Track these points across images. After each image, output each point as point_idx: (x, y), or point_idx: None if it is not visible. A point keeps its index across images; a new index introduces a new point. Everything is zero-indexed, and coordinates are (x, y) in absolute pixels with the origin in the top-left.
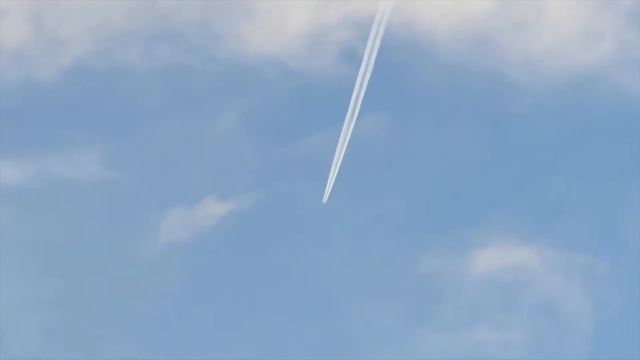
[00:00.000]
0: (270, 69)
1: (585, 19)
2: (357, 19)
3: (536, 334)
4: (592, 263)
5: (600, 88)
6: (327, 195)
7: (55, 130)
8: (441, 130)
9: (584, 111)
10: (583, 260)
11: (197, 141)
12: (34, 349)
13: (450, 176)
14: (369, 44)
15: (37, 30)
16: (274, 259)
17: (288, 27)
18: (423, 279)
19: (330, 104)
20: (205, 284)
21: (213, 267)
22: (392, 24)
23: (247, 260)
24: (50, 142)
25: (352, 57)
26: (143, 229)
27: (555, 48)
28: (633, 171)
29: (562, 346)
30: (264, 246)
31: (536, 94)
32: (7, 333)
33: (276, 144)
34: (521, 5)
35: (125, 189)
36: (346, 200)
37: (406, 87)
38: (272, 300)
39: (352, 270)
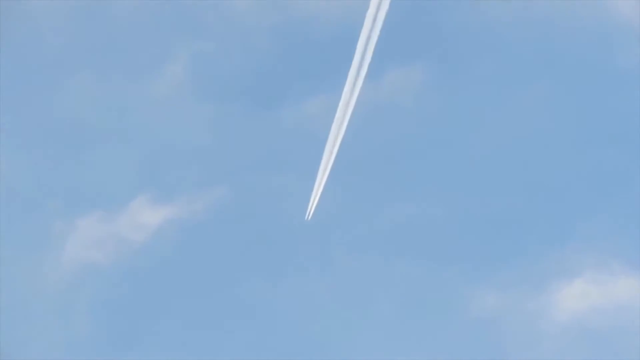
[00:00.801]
0: None
1: None
2: None
3: None
4: None
5: None
6: (312, 208)
7: None
8: (504, 95)
9: None
10: None
11: (124, 108)
12: None
13: (518, 167)
14: None
15: None
16: (237, 295)
17: None
18: (474, 326)
19: (329, 54)
20: (130, 328)
21: (143, 304)
22: None
23: (195, 295)
24: None
25: None
26: (39, 245)
27: None
28: None
29: None
30: (221, 274)
31: None
32: None
33: (245, 114)
34: None
35: (10, 186)
36: (349, 206)
37: (448, 27)
38: (230, 356)
39: (358, 310)
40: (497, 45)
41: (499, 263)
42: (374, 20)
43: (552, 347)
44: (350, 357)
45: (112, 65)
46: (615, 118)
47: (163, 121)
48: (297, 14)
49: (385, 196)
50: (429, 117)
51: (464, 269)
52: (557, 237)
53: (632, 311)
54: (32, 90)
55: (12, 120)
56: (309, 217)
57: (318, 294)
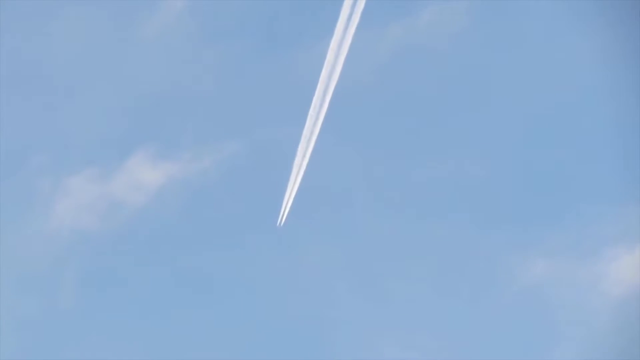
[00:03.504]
0: None
1: None
2: None
3: None
4: None
5: None
6: (284, 215)
7: None
8: (557, 40)
9: None
10: None
11: (115, 49)
12: None
13: (569, 117)
14: None
15: None
16: (251, 267)
17: None
18: (517, 298)
19: None
20: (124, 303)
21: (140, 277)
22: None
23: (202, 267)
24: None
25: None
26: (21, 209)
27: None
28: None
29: None
30: (230, 243)
31: None
32: None
33: (254, 56)
34: None
35: None
36: (373, 164)
37: None
38: (220, 336)
39: (387, 280)
40: None
41: (548, 226)
42: None
43: (605, 324)
44: (374, 334)
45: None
46: None
47: (161, 62)
48: None
49: (416, 153)
50: (467, 63)
51: (507, 233)
52: (615, 196)
53: None
54: (6, 30)
55: None
56: (281, 223)
57: (344, 263)
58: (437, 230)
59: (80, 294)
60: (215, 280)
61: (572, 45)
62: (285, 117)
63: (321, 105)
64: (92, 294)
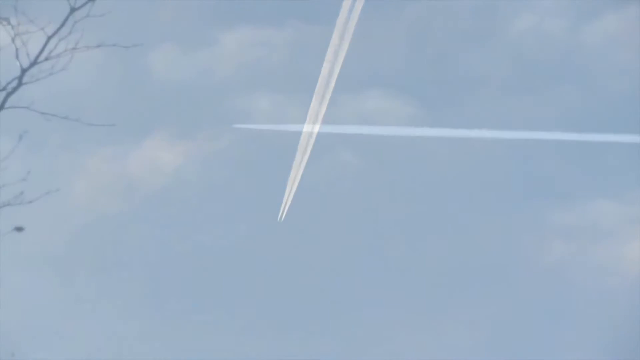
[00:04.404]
0: None
1: None
2: None
3: None
4: None
5: None
6: (286, 209)
7: None
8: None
9: None
10: None
11: (131, 32)
12: None
13: (581, 92)
14: None
15: None
16: (256, 244)
17: None
18: (538, 279)
19: None
20: (139, 288)
21: (156, 260)
22: None
23: (220, 249)
24: None
25: None
26: (37, 189)
27: None
28: None
29: None
30: (252, 224)
31: None
32: None
33: (265, 40)
34: None
35: None
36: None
37: None
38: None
39: (399, 261)
40: None
41: (564, 206)
42: None
43: (624, 305)
44: (382, 324)
45: None
46: None
47: (177, 46)
48: None
49: (428, 136)
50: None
51: (524, 214)
52: (634, 176)
53: None
54: None
55: None
56: (282, 218)
57: (353, 243)
58: (451, 214)
59: (96, 274)
60: (230, 262)
61: (603, 24)
62: (297, 99)
63: (325, 92)
64: (108, 274)
